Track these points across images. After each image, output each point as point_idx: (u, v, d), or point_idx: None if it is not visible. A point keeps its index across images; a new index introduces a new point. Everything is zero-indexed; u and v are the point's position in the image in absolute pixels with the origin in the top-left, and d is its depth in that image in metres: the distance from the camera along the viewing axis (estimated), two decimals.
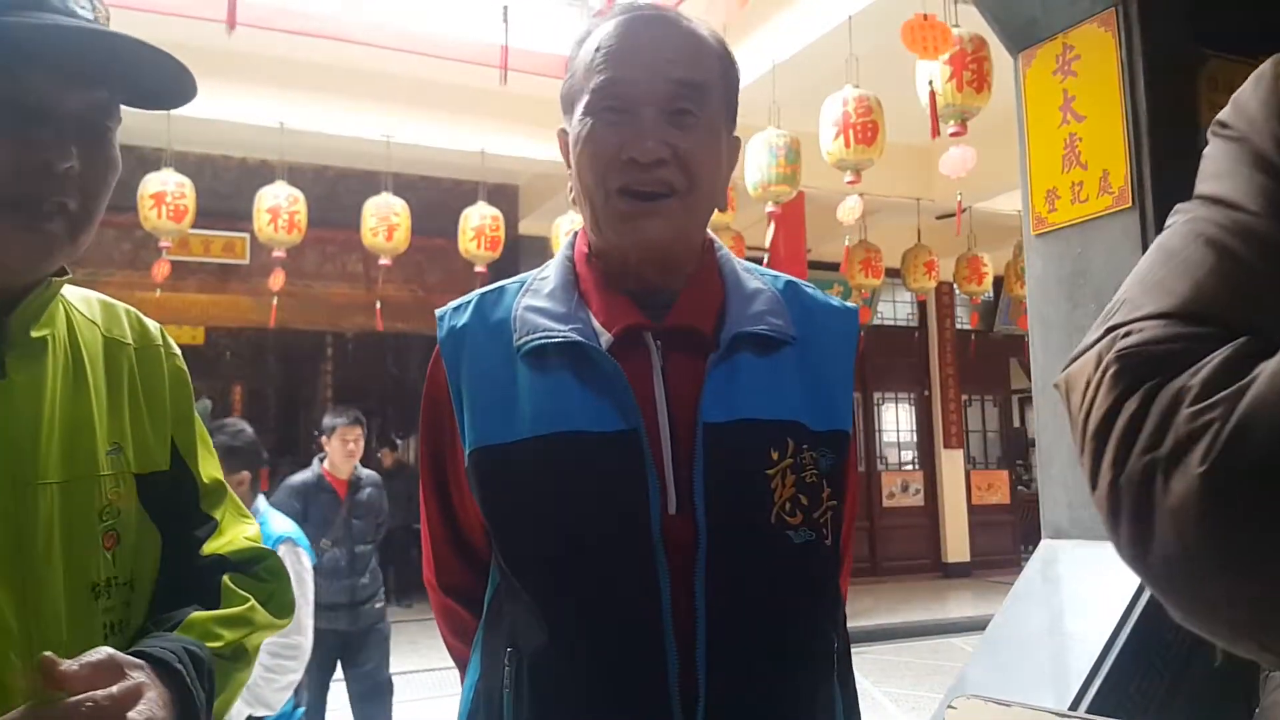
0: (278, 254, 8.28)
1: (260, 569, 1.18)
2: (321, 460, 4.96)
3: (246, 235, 9.62)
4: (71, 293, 1.11)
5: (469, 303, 1.22)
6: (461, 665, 1.26)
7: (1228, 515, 0.59)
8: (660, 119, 1.12)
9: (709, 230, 1.25)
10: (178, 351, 1.19)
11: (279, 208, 7.96)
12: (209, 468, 1.19)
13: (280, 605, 1.18)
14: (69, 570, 0.97)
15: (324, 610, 4.11)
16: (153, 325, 1.18)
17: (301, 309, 10.48)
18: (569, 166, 1.20)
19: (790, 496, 1.09)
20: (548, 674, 1.08)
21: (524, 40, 7.53)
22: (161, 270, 8.34)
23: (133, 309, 1.18)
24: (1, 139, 0.93)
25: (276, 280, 8.66)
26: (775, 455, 1.09)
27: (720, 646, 1.05)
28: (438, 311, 1.24)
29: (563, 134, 1.22)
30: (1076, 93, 2.60)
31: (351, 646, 4.66)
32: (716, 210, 1.20)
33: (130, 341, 1.13)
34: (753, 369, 1.13)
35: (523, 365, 1.13)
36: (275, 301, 9.10)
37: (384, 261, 8.60)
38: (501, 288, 1.24)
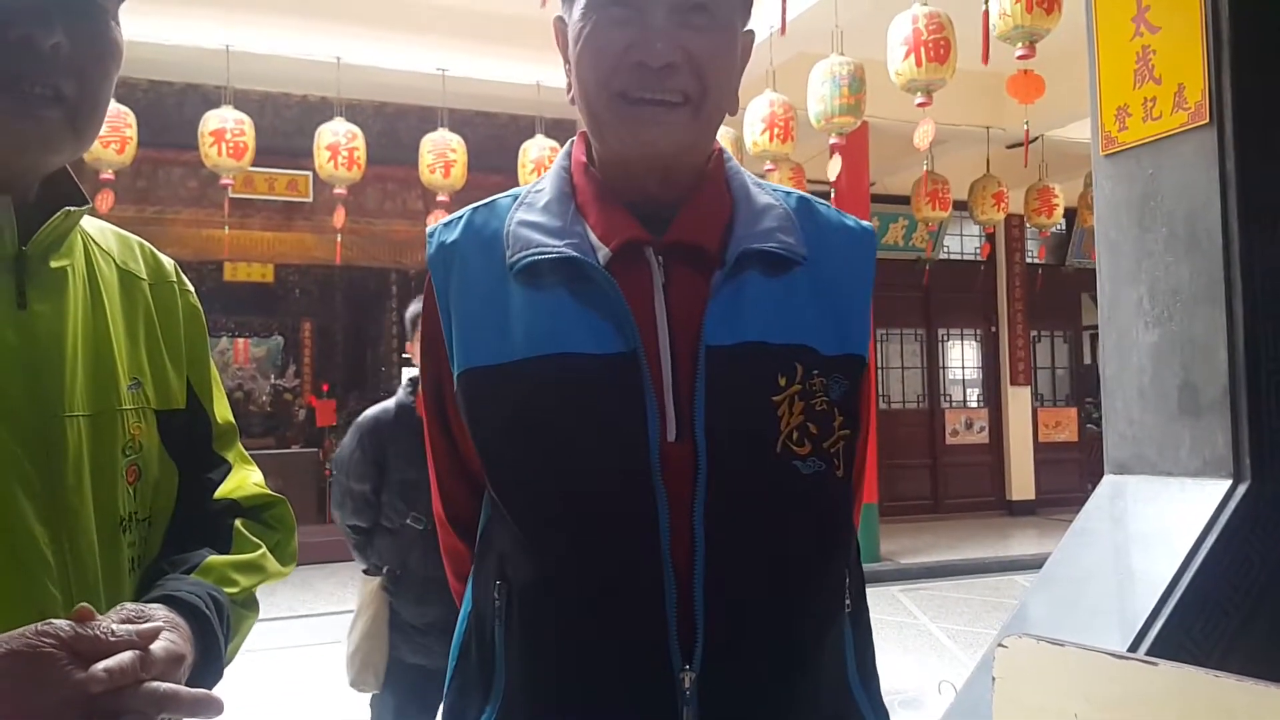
0: (339, 191, 8.33)
1: (268, 516, 1.16)
2: (412, 389, 3.32)
3: (309, 173, 9.68)
4: (88, 223, 1.08)
5: (460, 218, 1.16)
6: None
7: None
8: (671, 17, 1.03)
9: (719, 141, 1.17)
10: (191, 289, 1.16)
11: (338, 144, 7.99)
12: (222, 409, 1.17)
13: (285, 554, 1.16)
14: (98, 504, 0.96)
15: (411, 634, 3.08)
16: (167, 261, 1.15)
17: (365, 246, 10.56)
18: (566, 62, 1.12)
19: (798, 425, 1.03)
20: (538, 607, 1.03)
21: None
22: (225, 208, 8.46)
23: (146, 243, 1.15)
24: None
25: (339, 217, 8.72)
26: (783, 381, 1.03)
27: (720, 580, 0.99)
28: (429, 228, 1.17)
29: (560, 23, 1.14)
30: (1150, 2, 2.44)
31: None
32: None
33: (145, 277, 1.10)
34: (760, 289, 1.05)
35: (515, 283, 1.07)
36: (339, 239, 9.18)
37: (442, 198, 8.60)
38: (493, 201, 1.17)
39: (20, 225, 0.94)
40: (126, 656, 0.79)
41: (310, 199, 10.33)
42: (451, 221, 1.16)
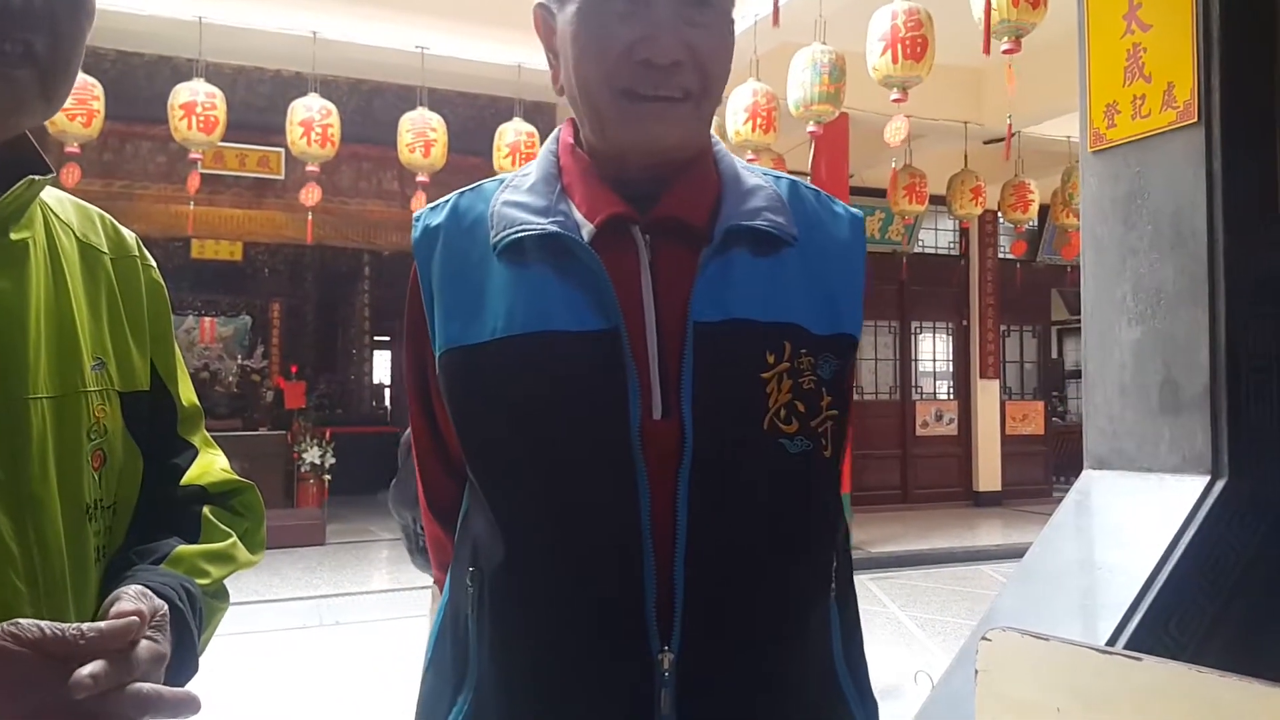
0: (312, 169, 8.23)
1: (236, 502, 1.13)
2: None
3: (281, 150, 9.57)
4: (47, 194, 1.01)
5: (446, 203, 1.14)
6: None
7: None
8: (676, 12, 1.01)
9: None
10: (154, 263, 1.11)
11: (312, 120, 7.88)
12: (187, 391, 1.12)
13: (254, 543, 1.13)
14: (63, 491, 0.91)
15: None
16: (128, 233, 1.10)
17: (338, 226, 10.46)
18: (550, 51, 1.11)
19: (786, 403, 1.01)
20: (510, 594, 1.02)
21: None
22: (193, 182, 8.33)
23: (107, 214, 1.09)
24: None
25: (310, 195, 8.62)
26: (771, 358, 1.01)
27: (701, 560, 0.97)
28: (415, 213, 1.15)
29: (543, 11, 1.11)
30: (1142, 0, 2.45)
31: None
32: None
33: (106, 250, 1.04)
34: (749, 267, 1.04)
35: (499, 263, 1.05)
36: (310, 218, 9.08)
37: (421, 179, 8.52)
38: (479, 186, 1.15)
39: None
40: (110, 662, 0.76)
41: (282, 176, 10.20)
42: (437, 206, 1.15)
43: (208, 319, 14.81)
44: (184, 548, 1.01)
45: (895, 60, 6.13)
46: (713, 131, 1.16)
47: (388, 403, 16.86)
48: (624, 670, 0.98)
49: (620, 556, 0.97)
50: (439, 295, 1.08)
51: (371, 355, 16.99)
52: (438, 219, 1.12)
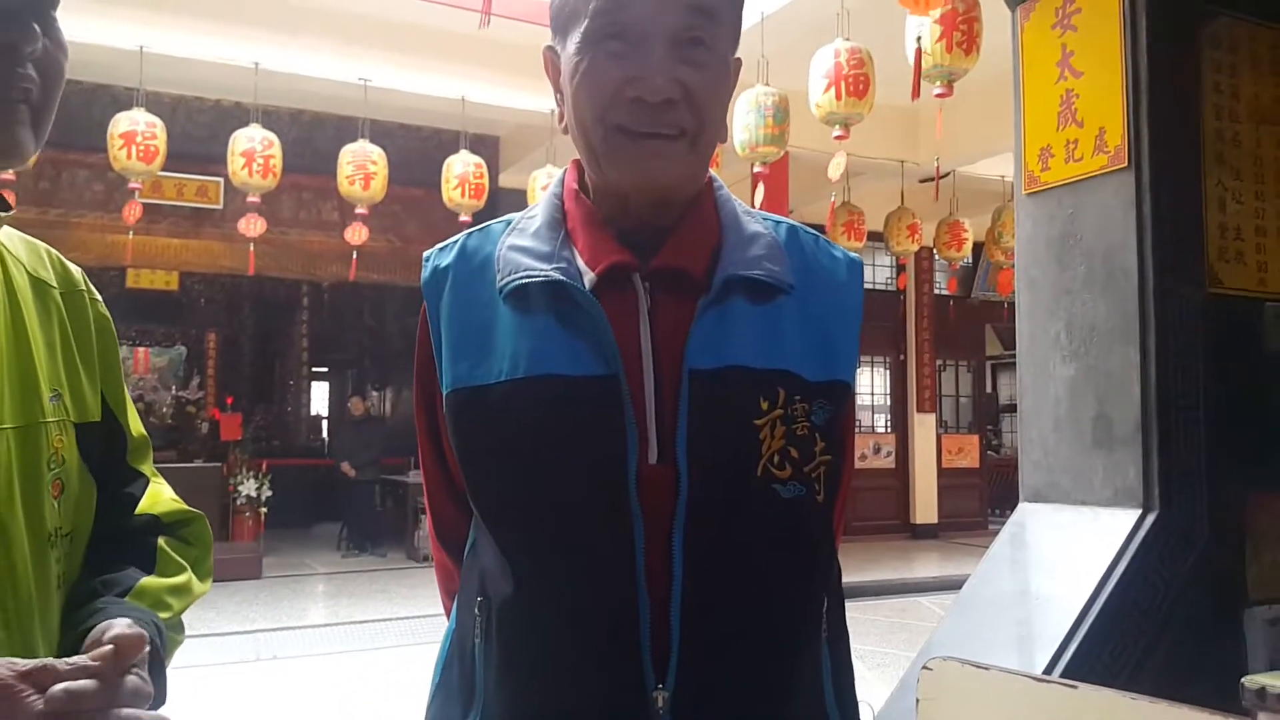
0: (252, 199, 8.17)
1: (185, 532, 1.14)
2: None
3: (220, 180, 9.48)
4: None
5: (455, 244, 1.17)
6: None
7: None
8: (670, 52, 1.03)
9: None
10: (100, 298, 1.12)
11: (253, 151, 7.83)
12: (135, 421, 1.14)
13: (203, 570, 1.14)
14: (28, 519, 0.92)
15: None
16: (75, 269, 1.11)
17: (277, 256, 10.36)
18: (557, 90, 1.13)
19: (779, 449, 1.03)
20: (515, 624, 1.04)
21: None
22: (133, 212, 8.22)
23: (53, 249, 1.10)
24: None
25: (252, 226, 8.53)
26: (765, 405, 1.03)
27: (696, 601, 1.00)
28: (425, 253, 1.18)
29: (550, 53, 1.14)
30: (1075, 48, 2.55)
31: None
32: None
33: (55, 285, 1.06)
34: (745, 315, 1.06)
35: (504, 307, 1.08)
36: (252, 248, 8.98)
37: (360, 210, 8.48)
38: (487, 227, 1.18)
39: None
40: (89, 683, 0.78)
41: (220, 206, 10.10)
42: (446, 247, 1.17)
43: (142, 349, 14.53)
44: (147, 580, 1.03)
45: (839, 97, 6.26)
46: (713, 172, 1.18)
47: (325, 435, 16.63)
48: (622, 707, 1.00)
49: (616, 600, 0.99)
50: (446, 335, 1.10)
51: (309, 386, 16.76)
52: (446, 259, 1.15)
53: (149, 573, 1.04)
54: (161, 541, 1.09)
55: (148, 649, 0.87)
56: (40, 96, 0.92)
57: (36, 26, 0.90)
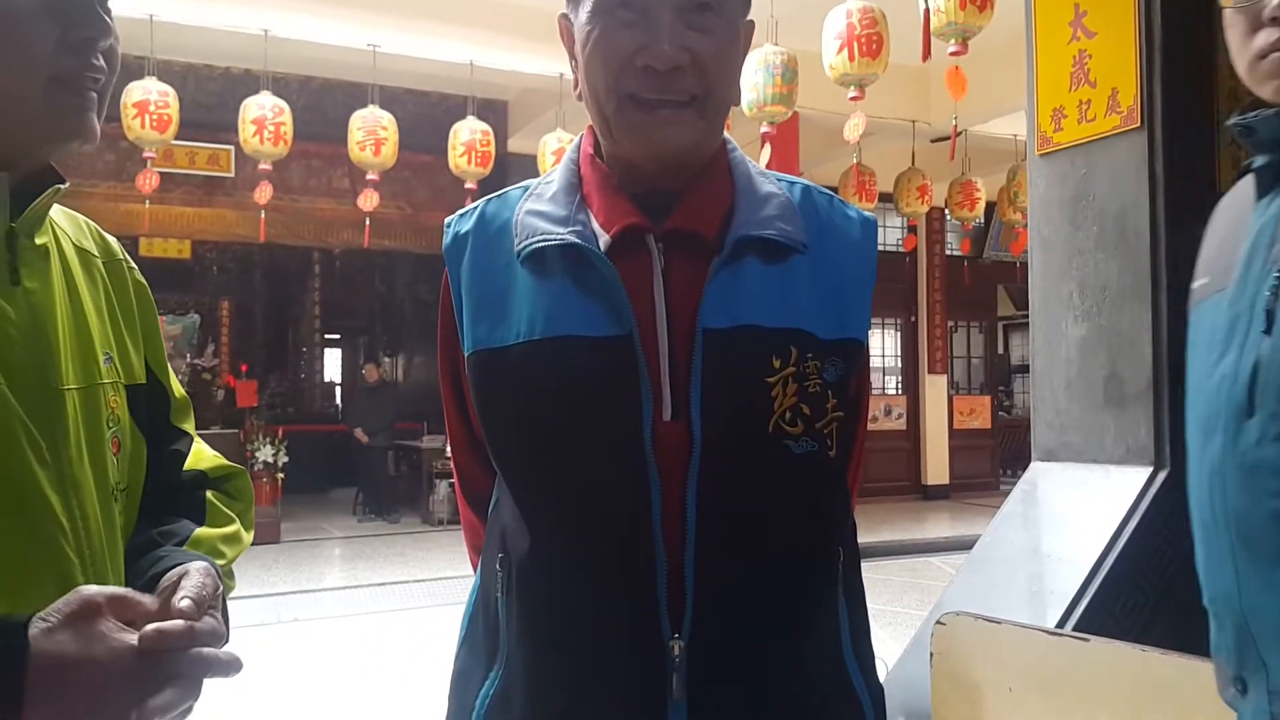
0: (263, 167, 8.17)
1: (230, 486, 1.20)
2: None
3: (231, 148, 9.49)
4: None
5: (474, 209, 1.20)
6: None
7: None
8: (678, 19, 1.05)
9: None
10: (136, 266, 1.18)
11: (264, 119, 7.81)
12: (175, 383, 1.20)
13: (248, 523, 1.20)
14: (95, 474, 0.99)
15: None
16: (111, 239, 1.16)
17: (288, 224, 10.37)
18: (571, 58, 1.15)
19: (791, 406, 1.06)
20: (534, 579, 1.08)
21: None
22: (150, 182, 8.23)
23: (90, 221, 1.17)
24: (45, 12, 0.91)
25: (263, 194, 8.54)
26: (777, 363, 1.06)
27: (710, 553, 1.03)
28: (445, 220, 1.21)
29: (565, 20, 1.16)
30: (1088, 8, 2.54)
31: None
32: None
33: (98, 254, 1.12)
34: (758, 275, 1.09)
35: (522, 270, 1.11)
36: (262, 215, 9.00)
37: (371, 176, 8.48)
38: (506, 193, 1.21)
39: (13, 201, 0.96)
40: (178, 623, 0.84)
41: (232, 174, 10.11)
42: (466, 213, 1.20)
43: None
44: (202, 530, 1.10)
45: (852, 58, 6.21)
46: (726, 134, 1.20)
47: (339, 400, 16.72)
48: (638, 657, 1.03)
49: (634, 552, 1.03)
50: (467, 298, 1.14)
51: (323, 353, 16.82)
52: (466, 226, 1.18)
53: (200, 524, 1.11)
54: (209, 495, 1.15)
55: (220, 590, 0.94)
56: (106, 83, 0.97)
57: (108, 20, 0.94)
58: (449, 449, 1.31)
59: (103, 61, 0.95)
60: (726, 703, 1.04)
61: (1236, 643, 1.05)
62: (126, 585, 0.99)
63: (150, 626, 0.82)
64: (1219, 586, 1.08)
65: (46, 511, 0.92)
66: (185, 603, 0.87)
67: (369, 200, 9.07)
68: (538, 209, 1.13)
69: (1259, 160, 1.07)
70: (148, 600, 0.86)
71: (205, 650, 0.85)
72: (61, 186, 0.99)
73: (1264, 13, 1.02)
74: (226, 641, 0.97)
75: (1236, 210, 1.14)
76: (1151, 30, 2.43)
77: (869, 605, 1.21)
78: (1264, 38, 1.03)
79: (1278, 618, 0.99)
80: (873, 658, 1.18)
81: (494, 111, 10.10)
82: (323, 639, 6.38)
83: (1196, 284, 1.18)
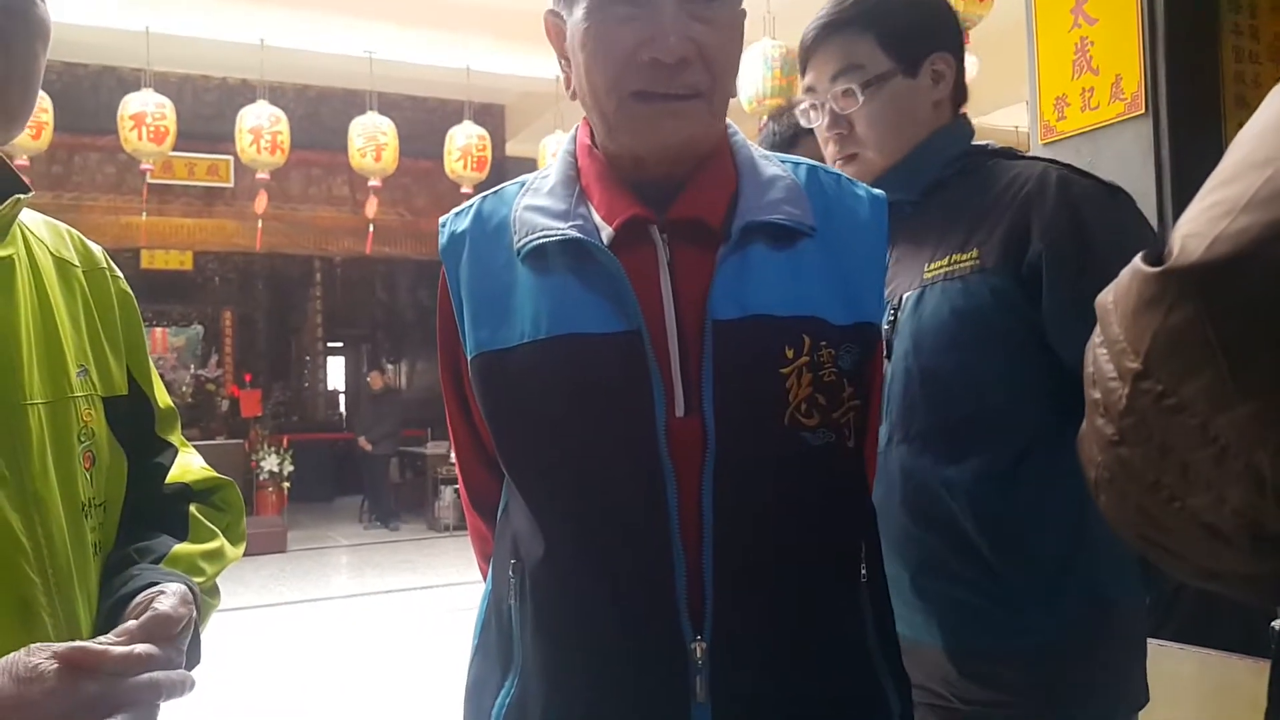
0: (262, 176, 8.17)
1: (217, 499, 1.17)
2: None
3: (230, 158, 9.48)
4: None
5: (470, 207, 1.16)
6: None
7: None
8: (681, 10, 1.01)
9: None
10: (120, 275, 1.15)
11: (261, 128, 7.81)
12: (161, 393, 1.17)
13: (235, 536, 1.17)
14: (62, 490, 0.96)
15: None
16: (95, 247, 1.14)
17: (288, 233, 10.37)
18: (562, 57, 1.11)
19: (806, 397, 1.02)
20: (549, 585, 1.04)
21: None
22: (143, 192, 8.23)
23: (73, 229, 1.14)
24: None
25: (261, 203, 8.55)
26: (790, 353, 1.02)
27: (728, 552, 1.00)
28: (441, 219, 1.17)
29: (554, 18, 1.11)
30: None
31: None
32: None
33: (78, 264, 1.08)
34: (766, 262, 1.05)
35: (523, 267, 1.07)
36: (260, 225, 8.99)
37: (373, 183, 8.47)
38: (502, 189, 1.17)
39: None
40: (114, 649, 0.83)
41: (231, 184, 10.10)
42: (462, 211, 1.16)
43: (159, 329, 14.61)
44: (181, 547, 1.06)
45: None
46: (729, 120, 1.16)
47: (343, 408, 16.73)
48: (660, 660, 1.00)
49: (651, 554, 0.99)
50: (467, 300, 1.10)
51: (326, 362, 16.82)
52: (463, 224, 1.14)
53: (182, 540, 1.07)
54: (193, 509, 1.12)
55: (194, 617, 0.92)
56: (5, 72, 0.93)
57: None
58: (453, 455, 1.27)
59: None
60: (750, 702, 1.01)
61: None
62: (100, 604, 0.98)
63: (72, 645, 0.81)
64: None
65: (6, 533, 0.88)
66: (131, 622, 0.86)
67: (373, 207, 9.07)
68: (536, 204, 1.09)
69: None
70: (114, 652, 0.84)
71: (158, 674, 0.83)
72: (22, 196, 0.96)
73: None
74: (193, 665, 0.95)
75: None
76: (1154, 15, 2.39)
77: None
78: None
79: None
80: (898, 646, 1.13)
81: (491, 115, 10.09)
82: (332, 648, 6.37)
83: None
